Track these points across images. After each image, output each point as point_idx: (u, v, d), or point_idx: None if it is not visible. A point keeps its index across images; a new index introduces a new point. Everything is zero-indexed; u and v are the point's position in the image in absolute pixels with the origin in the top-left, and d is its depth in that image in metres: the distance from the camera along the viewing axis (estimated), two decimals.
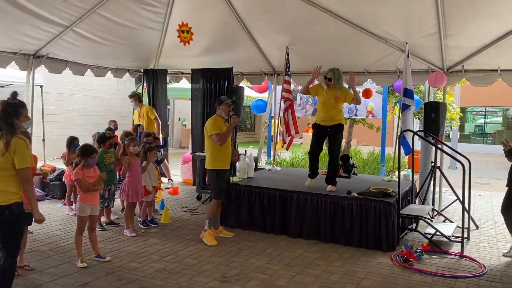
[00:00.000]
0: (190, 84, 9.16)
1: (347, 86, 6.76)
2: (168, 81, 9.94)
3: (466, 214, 5.89)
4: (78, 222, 4.92)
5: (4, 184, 3.37)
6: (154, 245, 5.67)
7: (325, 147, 11.89)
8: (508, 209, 5.53)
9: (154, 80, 9.59)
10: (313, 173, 6.63)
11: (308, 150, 6.86)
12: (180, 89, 11.52)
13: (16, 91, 3.68)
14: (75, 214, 5.29)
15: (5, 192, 3.36)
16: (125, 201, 6.32)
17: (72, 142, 7.10)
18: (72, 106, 14.85)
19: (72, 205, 7.21)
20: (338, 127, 6.42)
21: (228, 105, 5.66)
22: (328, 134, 6.49)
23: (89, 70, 9.02)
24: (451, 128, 14.41)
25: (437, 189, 7.64)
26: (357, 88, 9.81)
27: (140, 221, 6.56)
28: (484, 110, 26.75)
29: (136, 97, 9.10)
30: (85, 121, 14.81)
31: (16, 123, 3.48)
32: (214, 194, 5.80)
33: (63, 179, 7.92)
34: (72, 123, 14.62)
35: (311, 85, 6.78)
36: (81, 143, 5.90)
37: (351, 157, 8.14)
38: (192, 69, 9.00)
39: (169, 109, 19.28)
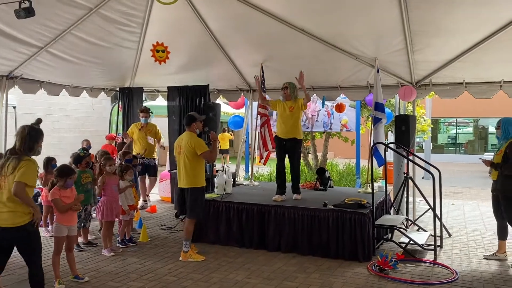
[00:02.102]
0: (166, 102, 9.14)
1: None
2: (143, 99, 9.90)
3: (438, 222, 6.00)
4: (55, 243, 4.87)
5: (14, 205, 3.69)
6: (133, 264, 5.64)
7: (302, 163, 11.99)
8: (499, 213, 5.65)
9: (130, 98, 9.54)
10: (280, 189, 6.83)
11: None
12: (156, 106, 11.51)
13: (41, 118, 4.10)
14: (52, 236, 5.24)
15: (18, 213, 3.69)
16: (102, 221, 6.26)
17: (49, 162, 7.02)
18: (46, 126, 14.58)
19: (48, 226, 7.10)
20: (294, 141, 6.69)
21: (201, 121, 5.82)
22: (285, 147, 6.76)
23: (64, 90, 8.95)
24: (423, 139, 14.70)
25: (410, 199, 7.78)
26: (330, 103, 10.24)
27: (118, 240, 6.51)
28: (455, 121, 27.50)
29: (149, 112, 8.97)
30: (60, 141, 14.61)
31: (36, 148, 3.87)
32: (195, 213, 5.69)
33: (39, 200, 7.80)
34: (47, 143, 14.31)
35: (269, 98, 7.39)
36: (57, 163, 5.85)
37: (327, 170, 8.23)
38: (168, 87, 9.00)
39: None
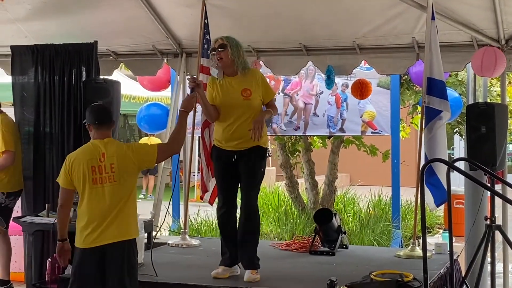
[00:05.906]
0: (9, 77, 6.12)
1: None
2: None
3: None
4: None
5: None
6: None
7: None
8: None
9: None
10: (225, 252, 4.62)
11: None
12: None
13: None
14: None
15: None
16: None
17: None
18: None
19: None
20: (254, 153, 4.39)
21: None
22: (235, 168, 4.48)
23: None
24: None
25: (499, 267, 5.36)
26: (342, 79, 7.12)
27: None
28: None
29: None
30: None
31: None
32: None
33: None
34: None
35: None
36: None
37: (335, 213, 5.47)
38: (12, 47, 5.93)
39: None
